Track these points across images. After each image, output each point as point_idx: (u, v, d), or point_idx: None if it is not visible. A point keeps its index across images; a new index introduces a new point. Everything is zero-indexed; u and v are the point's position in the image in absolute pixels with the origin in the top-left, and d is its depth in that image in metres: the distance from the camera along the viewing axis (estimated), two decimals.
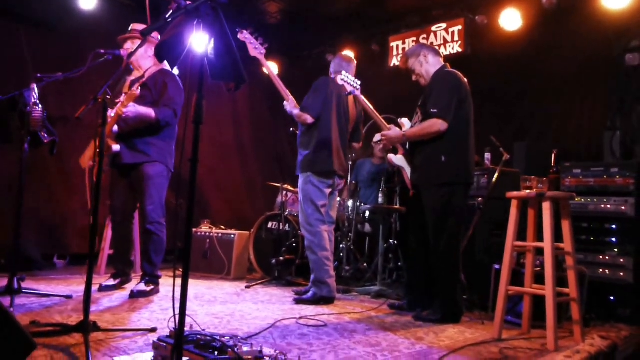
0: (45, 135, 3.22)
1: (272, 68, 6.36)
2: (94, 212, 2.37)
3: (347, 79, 3.53)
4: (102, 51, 3.32)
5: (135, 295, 3.50)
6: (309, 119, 3.75)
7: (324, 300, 3.70)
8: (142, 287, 3.59)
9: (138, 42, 3.68)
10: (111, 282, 3.78)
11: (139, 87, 3.49)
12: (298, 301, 3.68)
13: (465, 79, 3.45)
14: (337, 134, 3.84)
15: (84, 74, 3.39)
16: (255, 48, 3.77)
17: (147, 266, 3.69)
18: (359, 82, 3.58)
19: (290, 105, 3.80)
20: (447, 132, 3.32)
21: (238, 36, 3.75)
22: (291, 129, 4.11)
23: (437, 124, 3.30)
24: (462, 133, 3.37)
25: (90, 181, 3.81)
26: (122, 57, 3.37)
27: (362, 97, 3.58)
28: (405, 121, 3.65)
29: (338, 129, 3.85)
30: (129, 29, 3.83)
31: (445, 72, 3.51)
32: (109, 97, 2.43)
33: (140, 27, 3.80)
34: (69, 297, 3.30)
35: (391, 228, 4.98)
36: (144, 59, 3.79)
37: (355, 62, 4.06)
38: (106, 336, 2.37)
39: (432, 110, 3.33)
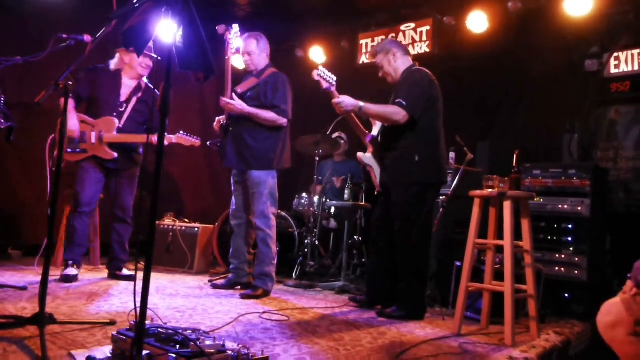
0: (2, 121, 3.09)
1: (239, 62, 6.35)
2: (53, 201, 2.30)
3: (324, 75, 3.44)
4: (65, 36, 3.21)
5: (125, 278, 3.97)
6: (286, 122, 3.81)
7: (268, 294, 3.73)
8: (127, 271, 4.08)
9: (124, 54, 4.02)
10: (74, 271, 3.77)
11: (137, 102, 4.09)
12: (244, 297, 3.61)
13: (435, 78, 3.48)
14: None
15: (45, 59, 3.27)
16: (231, 48, 3.81)
17: (125, 255, 4.10)
18: (335, 78, 3.50)
19: (242, 105, 3.73)
20: (421, 131, 3.33)
21: (219, 31, 3.78)
22: (225, 122, 3.87)
23: (401, 114, 3.28)
24: (435, 132, 3.39)
25: (52, 170, 3.77)
26: (86, 42, 3.27)
27: (337, 93, 3.45)
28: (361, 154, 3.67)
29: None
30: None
31: (415, 69, 3.52)
32: (70, 83, 2.35)
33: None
34: (23, 288, 3.18)
35: (356, 224, 5.01)
36: (142, 69, 4.08)
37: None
38: (63, 329, 2.30)
39: (400, 102, 3.30)
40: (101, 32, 2.37)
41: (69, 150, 3.89)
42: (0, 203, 4.77)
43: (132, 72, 4.08)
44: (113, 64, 4.07)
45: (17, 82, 4.65)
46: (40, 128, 4.11)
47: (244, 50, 3.91)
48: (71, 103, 3.84)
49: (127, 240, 4.11)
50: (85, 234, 4.00)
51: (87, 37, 3.32)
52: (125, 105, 4.06)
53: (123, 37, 1.83)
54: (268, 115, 3.75)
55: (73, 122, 3.84)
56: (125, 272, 4.06)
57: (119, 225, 4.09)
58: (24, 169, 4.86)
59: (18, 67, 3.35)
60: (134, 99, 4.09)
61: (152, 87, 4.18)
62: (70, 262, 3.80)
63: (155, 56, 4.07)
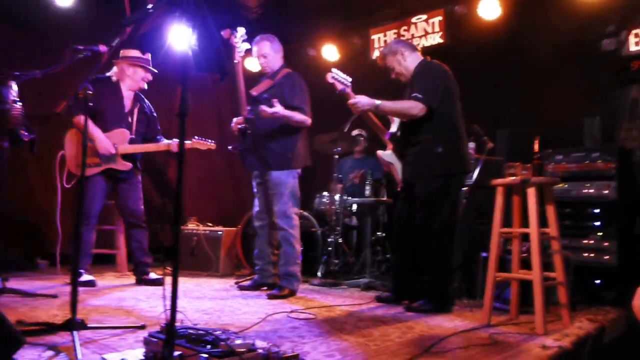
0: (25, 134, 3.16)
1: (254, 65, 6.38)
2: (78, 211, 2.36)
3: (338, 76, 3.43)
4: (81, 47, 3.26)
5: (153, 282, 4.03)
6: (310, 123, 3.83)
7: (294, 293, 3.74)
8: (155, 275, 4.14)
9: (126, 66, 4.10)
10: (91, 276, 3.92)
11: (139, 112, 4.20)
12: (271, 297, 3.63)
13: (448, 69, 3.45)
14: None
15: (62, 70, 3.34)
16: (239, 52, 3.81)
17: (148, 258, 4.17)
18: (350, 79, 3.49)
19: (281, 109, 3.65)
20: (440, 122, 3.30)
21: (224, 36, 3.79)
22: (244, 126, 3.81)
23: (418, 108, 3.25)
24: (454, 123, 3.37)
25: (62, 183, 4.05)
26: (102, 52, 3.32)
27: (352, 94, 3.41)
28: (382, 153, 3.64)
29: None
30: (120, 55, 4.06)
31: (427, 62, 3.51)
32: (89, 92, 2.38)
33: (131, 52, 4.06)
34: (54, 296, 3.25)
35: (378, 220, 4.99)
36: (143, 83, 4.19)
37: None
38: (94, 334, 2.33)
39: (416, 95, 3.27)
40: (116, 40, 2.40)
41: (91, 165, 3.96)
42: (26, 214, 4.87)
43: (132, 84, 4.15)
44: (113, 74, 4.14)
45: (36, 95, 4.73)
46: (58, 139, 4.18)
47: (258, 53, 3.90)
48: (91, 122, 3.90)
49: (147, 244, 4.19)
50: (92, 244, 4.09)
51: (102, 47, 3.37)
52: (130, 116, 4.14)
53: (139, 43, 1.85)
54: (299, 117, 3.75)
55: (106, 141, 3.95)
56: (152, 275, 4.12)
57: (134, 231, 4.17)
58: (44, 181, 4.94)
59: (35, 80, 3.42)
60: (136, 110, 4.19)
61: (144, 97, 4.31)
62: (83, 271, 3.88)
63: (155, 70, 4.19)
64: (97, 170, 4.00)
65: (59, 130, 4.56)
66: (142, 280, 4.10)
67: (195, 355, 1.68)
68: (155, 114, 4.37)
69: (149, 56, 4.17)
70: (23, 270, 4.58)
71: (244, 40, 3.81)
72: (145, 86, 4.23)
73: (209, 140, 4.29)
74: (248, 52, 3.90)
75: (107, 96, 4.04)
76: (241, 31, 3.81)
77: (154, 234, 5.64)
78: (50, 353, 2.03)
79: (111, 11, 4.99)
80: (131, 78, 4.12)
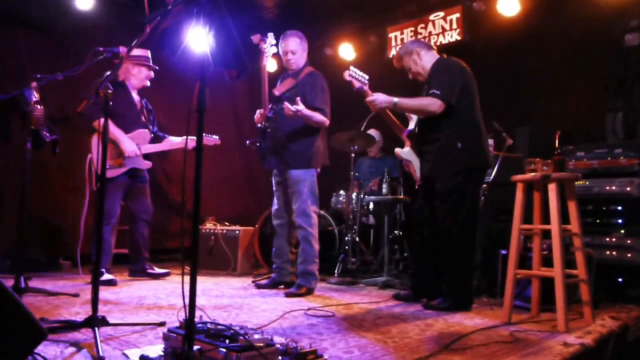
0: (47, 134, 3.22)
1: (271, 64, 6.40)
2: (99, 211, 2.40)
3: (355, 74, 3.43)
4: (101, 49, 3.32)
5: (159, 275, 4.29)
6: (328, 124, 3.84)
7: (312, 292, 3.74)
8: (158, 269, 4.37)
9: (131, 66, 4.20)
10: (111, 276, 3.97)
11: (145, 111, 4.33)
12: (289, 295, 3.63)
13: (466, 65, 3.43)
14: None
15: (83, 72, 3.40)
16: (267, 57, 3.83)
17: (148, 253, 4.37)
18: (367, 77, 3.48)
19: (303, 107, 3.62)
20: (459, 118, 3.27)
21: (254, 40, 3.83)
22: (263, 124, 3.83)
23: (436, 105, 3.23)
24: (473, 118, 3.34)
25: (90, 186, 4.12)
26: (122, 54, 3.37)
27: (370, 92, 3.41)
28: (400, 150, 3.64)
29: None
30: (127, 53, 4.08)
31: (444, 59, 3.48)
32: (110, 91, 2.41)
33: (140, 52, 4.19)
34: (76, 295, 3.30)
35: (395, 219, 4.96)
36: (146, 81, 4.29)
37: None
38: (115, 331, 2.37)
39: (434, 92, 3.25)
40: (136, 40, 2.42)
41: (115, 166, 4.03)
42: (49, 214, 4.95)
43: (137, 82, 4.24)
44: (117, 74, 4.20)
45: (57, 97, 4.81)
46: (80, 140, 4.25)
47: (286, 49, 3.88)
48: (112, 124, 3.96)
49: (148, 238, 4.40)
50: (113, 244, 4.18)
51: (122, 49, 3.42)
52: (142, 114, 4.21)
53: (158, 40, 1.87)
54: (319, 118, 3.75)
55: (129, 142, 4.03)
56: (156, 270, 4.35)
57: (144, 228, 4.30)
58: (66, 182, 5.02)
59: (57, 82, 3.48)
60: (144, 108, 4.29)
61: (143, 93, 4.41)
62: (104, 270, 3.95)
63: (157, 67, 4.28)
64: (122, 170, 4.06)
65: (80, 132, 4.63)
66: (146, 274, 4.26)
67: (214, 349, 1.69)
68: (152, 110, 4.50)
69: (148, 53, 4.25)
70: (46, 270, 4.66)
71: (272, 45, 3.84)
72: (148, 84, 4.30)
73: (214, 136, 4.37)
74: (273, 55, 3.92)
75: (120, 96, 4.08)
76: (271, 37, 3.83)
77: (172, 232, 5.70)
78: (72, 349, 2.06)
79: (130, 14, 5.09)
80: (136, 77, 4.21)
